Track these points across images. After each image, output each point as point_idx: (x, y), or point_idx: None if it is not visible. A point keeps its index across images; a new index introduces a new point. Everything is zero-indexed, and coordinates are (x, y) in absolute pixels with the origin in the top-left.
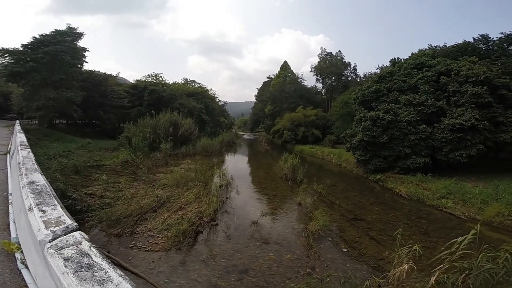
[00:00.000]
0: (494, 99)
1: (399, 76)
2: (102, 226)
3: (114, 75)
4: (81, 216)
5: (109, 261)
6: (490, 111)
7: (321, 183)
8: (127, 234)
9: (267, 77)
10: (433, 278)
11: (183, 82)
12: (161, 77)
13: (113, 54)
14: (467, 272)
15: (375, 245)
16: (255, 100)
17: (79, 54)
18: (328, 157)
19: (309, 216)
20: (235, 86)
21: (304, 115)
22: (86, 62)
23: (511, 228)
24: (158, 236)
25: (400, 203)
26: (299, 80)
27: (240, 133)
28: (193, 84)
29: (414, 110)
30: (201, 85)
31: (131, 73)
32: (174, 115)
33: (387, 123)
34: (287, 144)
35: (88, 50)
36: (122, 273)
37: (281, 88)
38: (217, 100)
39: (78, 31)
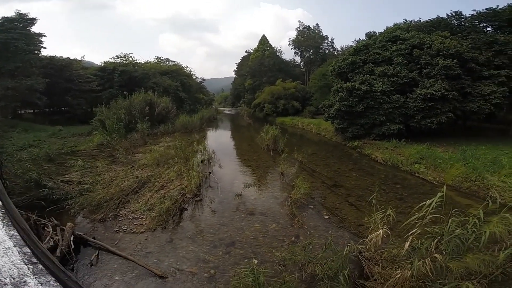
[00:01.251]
0: (463, 72)
1: (374, 48)
2: (84, 212)
3: (79, 59)
4: (60, 204)
5: None
6: (459, 82)
7: (302, 152)
8: (110, 218)
9: (246, 52)
10: (407, 244)
11: (155, 61)
12: (131, 57)
13: (77, 39)
14: (439, 237)
15: (355, 211)
16: (234, 76)
17: (34, 40)
18: (308, 127)
19: (291, 185)
20: (213, 62)
21: (284, 88)
22: (44, 48)
23: (478, 193)
24: (142, 217)
25: (377, 169)
26: (277, 54)
27: (221, 108)
28: (167, 63)
29: (388, 81)
30: (176, 63)
31: (98, 57)
32: (149, 95)
33: (362, 93)
34: (268, 116)
35: (44, 35)
36: None
37: (260, 62)
38: (194, 77)
39: (30, 16)
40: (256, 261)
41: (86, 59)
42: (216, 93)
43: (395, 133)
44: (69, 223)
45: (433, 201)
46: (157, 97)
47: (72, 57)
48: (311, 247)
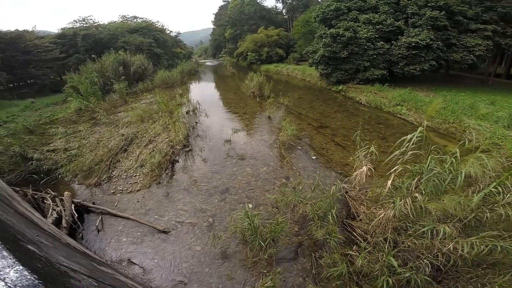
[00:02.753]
0: (450, 24)
1: None
2: (78, 179)
3: (30, 30)
4: (53, 175)
5: None
6: (445, 33)
7: (288, 97)
8: (105, 181)
9: (223, 1)
10: (389, 182)
11: (121, 20)
12: (91, 19)
13: (23, 11)
14: (419, 176)
15: (341, 151)
16: (213, 27)
17: None
18: (293, 73)
19: (279, 128)
20: (188, 15)
21: (267, 36)
22: None
23: (455, 135)
24: (136, 175)
25: (361, 110)
26: (258, 1)
27: (202, 61)
28: (135, 20)
29: (373, 29)
30: (145, 19)
31: (54, 24)
32: (120, 54)
33: (347, 40)
34: (252, 65)
35: None
36: None
37: (240, 10)
38: (168, 31)
39: None
40: (250, 205)
41: (39, 28)
42: (195, 46)
43: (378, 78)
44: (66, 192)
45: (413, 135)
46: (130, 56)
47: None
48: (300, 187)
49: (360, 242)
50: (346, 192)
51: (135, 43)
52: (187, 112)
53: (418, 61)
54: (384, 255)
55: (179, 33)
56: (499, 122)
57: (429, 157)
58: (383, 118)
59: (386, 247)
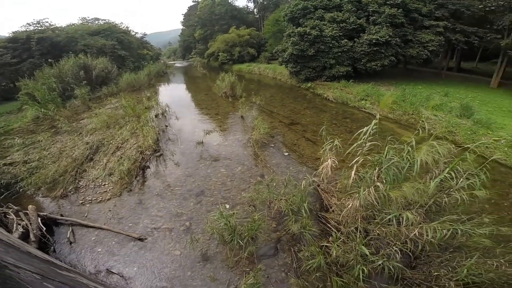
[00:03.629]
0: (406, 21)
1: None
2: (42, 192)
3: None
4: (13, 189)
5: None
6: (402, 30)
7: (260, 96)
8: (72, 192)
9: (193, 1)
10: (352, 173)
11: (80, 22)
12: (47, 22)
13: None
14: (379, 166)
15: (311, 146)
16: (182, 27)
17: None
18: (265, 72)
19: (252, 127)
20: (155, 16)
21: (238, 35)
22: None
23: (415, 125)
24: (104, 184)
25: (329, 106)
26: (229, 1)
27: (171, 62)
28: (97, 22)
29: (337, 27)
30: (107, 20)
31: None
32: (80, 58)
33: (313, 38)
34: (224, 65)
35: None
36: None
37: (210, 10)
38: (133, 33)
39: None
40: (227, 206)
41: None
42: (163, 47)
43: (344, 75)
44: (30, 206)
45: (369, 127)
46: (91, 59)
47: None
48: (274, 184)
49: (335, 232)
50: (318, 185)
51: (96, 46)
52: (156, 116)
53: (379, 57)
54: (356, 244)
55: (145, 35)
56: (452, 112)
57: (387, 147)
58: (349, 112)
59: (358, 236)
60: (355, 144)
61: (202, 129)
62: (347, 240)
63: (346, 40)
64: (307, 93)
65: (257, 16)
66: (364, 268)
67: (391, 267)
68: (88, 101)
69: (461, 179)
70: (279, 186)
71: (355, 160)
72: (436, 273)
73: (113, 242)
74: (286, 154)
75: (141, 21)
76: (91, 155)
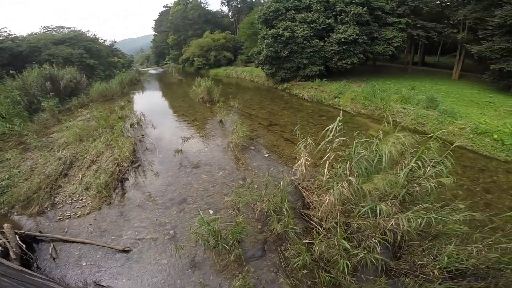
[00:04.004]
0: (371, 19)
1: None
2: (16, 210)
3: None
4: None
5: None
6: (368, 28)
7: (238, 99)
8: (48, 209)
9: (164, 6)
10: (325, 169)
11: (43, 31)
12: (5, 31)
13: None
14: (350, 160)
15: (290, 145)
16: (154, 33)
17: None
18: (242, 75)
19: (231, 131)
20: (125, 22)
21: (213, 40)
22: None
23: (388, 119)
24: (82, 199)
25: (305, 106)
26: (203, 5)
27: (145, 69)
28: (62, 30)
29: (308, 27)
30: (73, 28)
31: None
32: (45, 69)
33: (286, 39)
34: (200, 70)
35: None
36: None
37: (182, 15)
38: (102, 40)
39: None
40: (211, 211)
41: None
42: (135, 54)
43: (317, 74)
44: (6, 224)
45: (334, 125)
46: (58, 70)
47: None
48: (256, 186)
49: (318, 229)
50: (299, 184)
51: (62, 55)
52: (131, 125)
53: (348, 56)
54: (337, 239)
55: (115, 42)
56: (420, 104)
57: (355, 142)
58: (324, 110)
59: (339, 230)
60: (323, 142)
61: (181, 136)
62: (330, 236)
63: (317, 40)
64: (284, 94)
65: (232, 19)
66: (348, 262)
67: (372, 259)
68: (58, 113)
69: (428, 168)
70: (261, 187)
71: (326, 156)
72: (419, 262)
73: (98, 256)
74: (267, 155)
75: (110, 28)
76: (65, 171)
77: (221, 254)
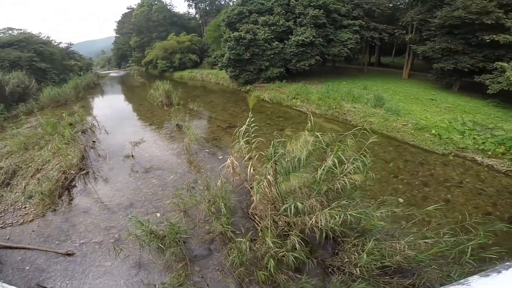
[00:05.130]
0: (328, 21)
1: None
2: None
3: None
4: None
5: None
6: (325, 30)
7: (199, 102)
8: None
9: (128, 8)
10: (249, 169)
11: None
12: None
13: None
14: (272, 160)
15: (245, 148)
16: (116, 35)
17: None
18: (207, 78)
19: (187, 134)
20: (85, 24)
21: (178, 42)
22: None
23: (338, 118)
24: (25, 207)
25: (266, 107)
26: (169, 7)
27: (105, 72)
28: (10, 32)
29: (269, 30)
30: (23, 30)
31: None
32: None
33: (248, 42)
34: (165, 72)
35: None
36: None
37: (147, 17)
38: (56, 43)
39: None
40: (158, 214)
41: None
42: (96, 56)
43: (278, 76)
44: None
45: (244, 126)
46: (2, 74)
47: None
48: (195, 188)
49: (261, 227)
50: (246, 180)
51: (9, 59)
52: (83, 132)
53: (306, 57)
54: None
55: (71, 44)
56: (368, 103)
57: (272, 142)
58: (283, 111)
59: (269, 228)
60: (235, 141)
61: (134, 141)
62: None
63: (277, 42)
64: (247, 96)
65: (200, 22)
66: (272, 260)
67: (292, 257)
68: (3, 120)
69: (348, 164)
70: (209, 188)
71: (247, 157)
72: (347, 260)
73: (42, 260)
74: (221, 157)
75: (70, 30)
76: (8, 180)
77: (163, 254)
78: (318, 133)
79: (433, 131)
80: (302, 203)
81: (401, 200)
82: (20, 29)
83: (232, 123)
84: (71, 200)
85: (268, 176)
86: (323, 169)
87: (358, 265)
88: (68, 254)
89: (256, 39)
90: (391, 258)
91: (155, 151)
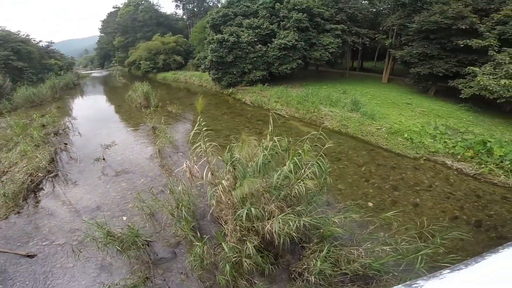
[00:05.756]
0: (311, 25)
1: (244, 1)
2: None
3: None
4: None
5: None
6: (307, 34)
7: (180, 104)
8: None
9: (114, 7)
10: (206, 173)
11: None
12: None
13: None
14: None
15: (220, 151)
16: (100, 34)
17: None
18: (191, 79)
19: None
20: (70, 22)
21: (163, 43)
22: None
23: (316, 122)
24: None
25: (247, 110)
26: (155, 7)
27: (87, 72)
28: None
29: (253, 33)
30: (1, 29)
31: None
32: None
33: (231, 44)
34: (148, 74)
35: None
36: None
37: (132, 17)
38: (35, 41)
39: None
40: (124, 218)
41: None
42: (79, 56)
43: (260, 79)
44: None
45: (194, 130)
46: None
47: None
48: (155, 191)
49: (224, 231)
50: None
51: None
52: (55, 134)
53: (288, 61)
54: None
55: (51, 43)
56: (345, 107)
57: (228, 146)
58: (263, 115)
59: (230, 232)
60: (196, 145)
61: (107, 143)
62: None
63: (260, 45)
64: (229, 98)
65: (187, 23)
66: (227, 265)
67: (247, 262)
68: None
69: (303, 170)
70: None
71: (203, 160)
72: (305, 266)
73: (1, 261)
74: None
75: (52, 28)
76: None
77: (130, 258)
78: (276, 138)
79: (406, 135)
80: (258, 209)
81: (370, 204)
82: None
83: (210, 126)
84: (37, 202)
85: (223, 181)
86: (279, 174)
87: (313, 272)
88: (29, 256)
89: (240, 41)
90: (349, 265)
91: (127, 154)
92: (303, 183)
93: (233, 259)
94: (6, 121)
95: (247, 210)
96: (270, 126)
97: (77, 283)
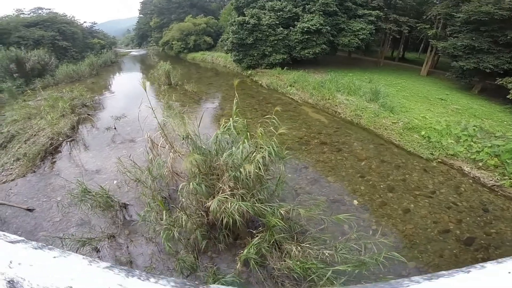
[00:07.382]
0: (341, 10)
1: None
2: None
3: None
4: None
5: None
6: (335, 19)
7: (199, 83)
8: None
9: None
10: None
11: (15, 14)
12: None
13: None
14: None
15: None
16: (139, 15)
17: None
18: (217, 60)
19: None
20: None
21: (194, 24)
22: None
23: (329, 109)
24: (12, 167)
25: (261, 92)
26: None
27: (127, 50)
28: (40, 11)
29: (275, 15)
30: (51, 10)
31: None
32: (12, 51)
33: (251, 27)
34: (180, 54)
35: None
36: None
37: None
38: (80, 22)
39: None
40: (115, 182)
41: None
42: (121, 35)
43: (280, 62)
44: None
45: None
46: (26, 52)
47: None
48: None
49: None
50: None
51: (33, 38)
52: (83, 105)
53: (311, 45)
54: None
55: (94, 23)
56: (364, 97)
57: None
58: (275, 98)
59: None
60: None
61: (111, 115)
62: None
63: (281, 29)
64: (248, 80)
65: (220, 4)
66: (162, 232)
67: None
68: (22, 94)
69: (254, 153)
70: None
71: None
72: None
73: (7, 214)
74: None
75: (95, 8)
76: (5, 143)
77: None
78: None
79: (423, 133)
80: (201, 184)
81: (355, 202)
82: (49, 9)
83: (219, 106)
84: (52, 163)
85: (170, 153)
86: (228, 153)
87: (241, 259)
88: (29, 210)
89: (260, 24)
90: (277, 261)
91: (135, 125)
92: (246, 167)
93: (172, 229)
94: (41, 95)
95: (191, 184)
96: (233, 106)
97: (61, 234)
